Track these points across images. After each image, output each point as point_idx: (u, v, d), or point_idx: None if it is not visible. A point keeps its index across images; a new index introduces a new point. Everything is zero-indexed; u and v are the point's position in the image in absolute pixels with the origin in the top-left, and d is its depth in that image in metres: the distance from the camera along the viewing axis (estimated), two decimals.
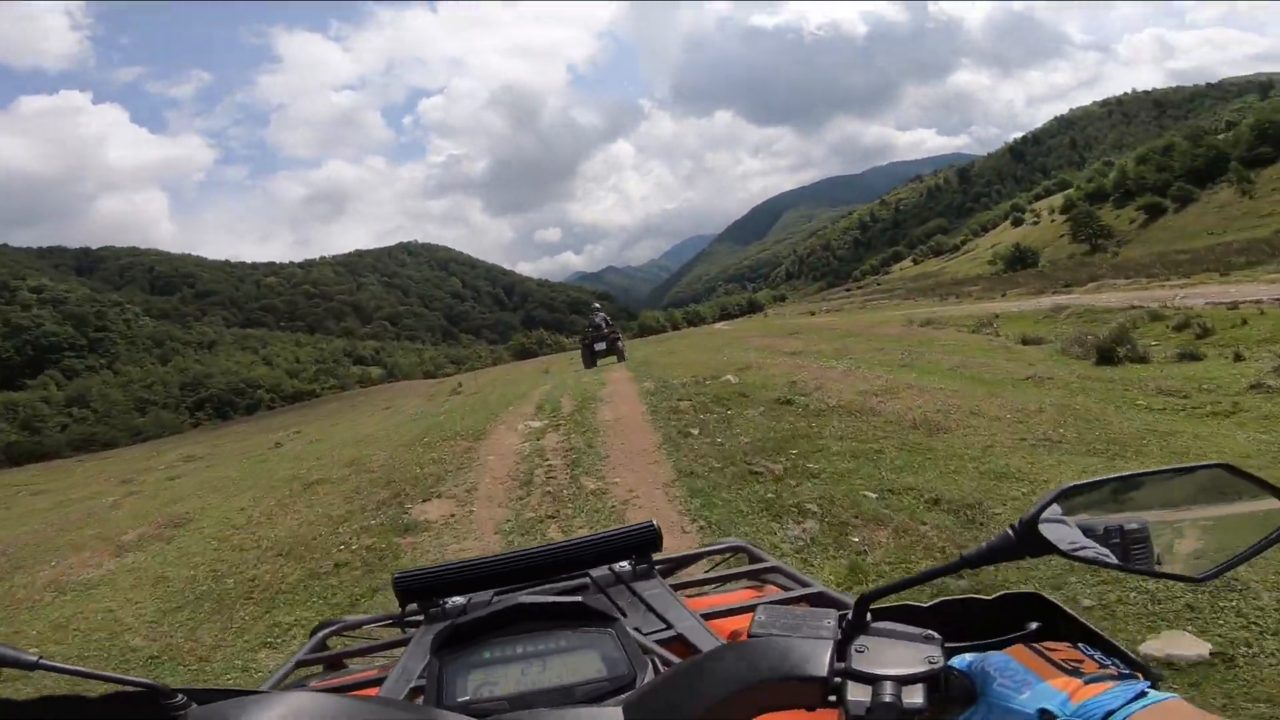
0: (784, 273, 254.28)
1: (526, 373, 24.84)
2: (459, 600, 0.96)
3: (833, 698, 0.48)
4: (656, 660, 0.67)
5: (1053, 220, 72.56)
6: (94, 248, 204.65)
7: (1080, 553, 0.52)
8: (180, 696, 0.51)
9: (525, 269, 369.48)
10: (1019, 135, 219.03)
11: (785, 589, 1.06)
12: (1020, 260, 51.67)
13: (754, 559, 1.24)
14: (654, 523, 1.01)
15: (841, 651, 0.49)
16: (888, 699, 0.46)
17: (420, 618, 0.96)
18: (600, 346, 16.46)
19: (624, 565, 1.00)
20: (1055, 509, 0.52)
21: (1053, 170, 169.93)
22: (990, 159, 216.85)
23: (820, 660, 0.48)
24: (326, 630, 1.19)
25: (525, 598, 0.70)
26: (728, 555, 1.35)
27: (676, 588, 0.97)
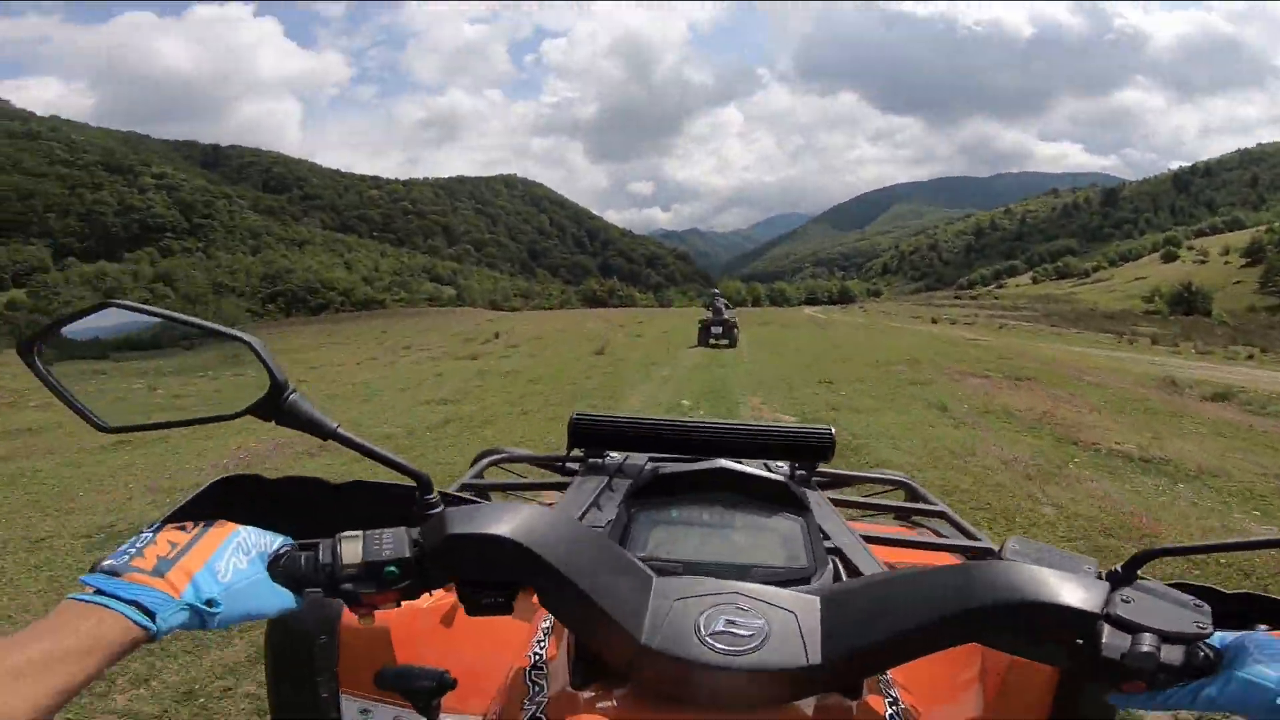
0: (880, 266, 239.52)
1: (595, 330, 22.49)
2: (617, 457, 0.96)
3: (1079, 642, 0.47)
4: (838, 564, 0.67)
5: (1225, 262, 61.94)
6: (223, 145, 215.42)
7: None
8: (436, 494, 0.55)
9: (612, 217, 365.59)
10: (1184, 164, 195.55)
11: (942, 536, 1.02)
12: (1187, 304, 43.54)
13: (916, 497, 1.20)
14: (831, 429, 0.98)
15: (1107, 598, 0.48)
16: (1146, 649, 0.45)
17: (577, 465, 0.97)
18: (717, 330, 17.49)
19: (782, 465, 0.99)
20: None
21: (1221, 207, 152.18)
22: (1145, 184, 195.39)
23: (1092, 595, 0.47)
24: (490, 459, 1.20)
25: (726, 463, 0.70)
26: (890, 488, 1.31)
27: (835, 503, 0.95)
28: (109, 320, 0.56)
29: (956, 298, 79.65)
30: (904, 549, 0.91)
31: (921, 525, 1.12)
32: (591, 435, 0.97)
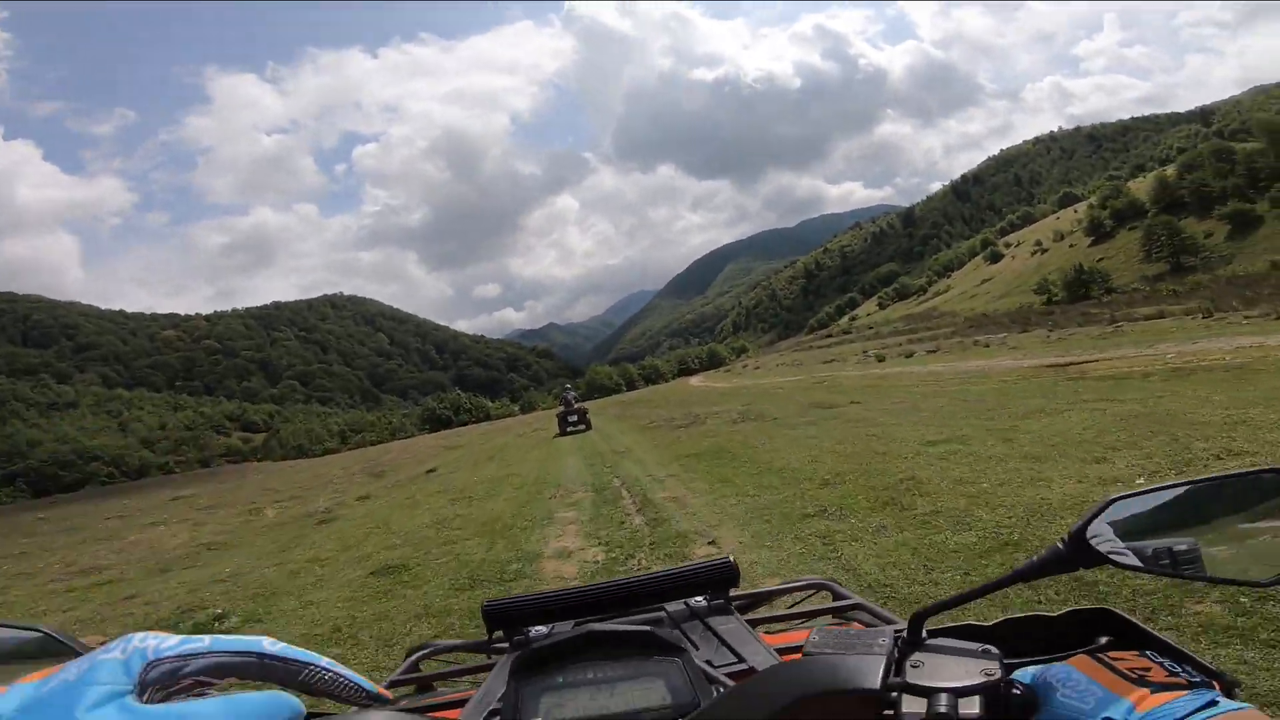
0: (730, 325, 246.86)
1: (425, 456, 21.36)
2: (542, 629, 0.99)
3: (889, 712, 0.48)
4: (721, 689, 0.70)
5: (1070, 245, 64.22)
6: None
7: (1131, 561, 0.52)
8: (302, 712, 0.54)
9: (463, 326, 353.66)
10: (958, 177, 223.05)
11: (868, 626, 1.04)
12: (1085, 286, 42.50)
13: (837, 596, 1.23)
14: (731, 559, 1.02)
15: (897, 667, 0.50)
16: (943, 709, 0.46)
17: (505, 645, 0.99)
18: (572, 419, 20.34)
19: (700, 600, 1.02)
20: (1104, 522, 0.52)
21: (1002, 207, 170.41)
22: (931, 202, 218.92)
23: (873, 674, 0.48)
24: (420, 653, 1.23)
25: (597, 626, 0.73)
26: (810, 593, 1.34)
27: (755, 623, 0.98)
28: None
29: (829, 335, 77.27)
30: None
31: (851, 620, 1.13)
32: (503, 617, 0.99)
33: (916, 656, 0.51)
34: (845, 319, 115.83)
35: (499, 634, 1.01)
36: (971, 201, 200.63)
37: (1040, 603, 2.84)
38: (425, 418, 68.22)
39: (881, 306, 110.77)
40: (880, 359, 29.61)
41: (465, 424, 62.45)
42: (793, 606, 1.29)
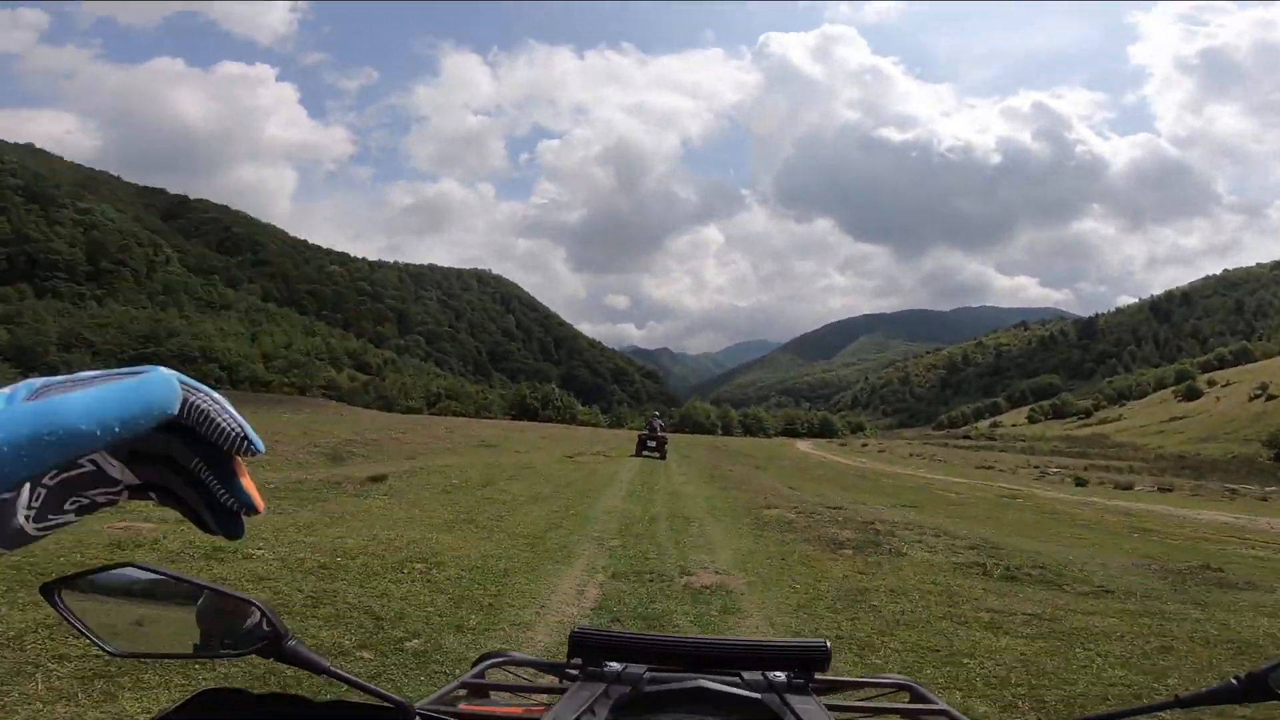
0: (850, 399, 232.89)
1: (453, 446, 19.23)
2: (616, 666, 0.99)
3: None
4: None
5: (1257, 396, 51.90)
6: (191, 198, 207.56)
7: None
8: (416, 716, 0.60)
9: (586, 329, 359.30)
10: (1160, 291, 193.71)
11: None
12: None
13: (918, 698, 1.19)
14: (826, 643, 0.98)
15: None
16: None
17: (576, 672, 1.01)
18: (651, 444, 21.15)
19: (778, 675, 0.98)
20: None
21: (1209, 337, 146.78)
22: (1120, 315, 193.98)
23: None
24: (490, 661, 1.24)
25: (708, 684, 0.72)
26: (890, 690, 1.30)
27: (831, 708, 0.96)
28: (127, 576, 0.65)
29: (966, 437, 67.68)
30: None
31: None
32: (591, 646, 1.00)
33: None
34: (985, 423, 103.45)
35: (576, 660, 1.02)
36: (1172, 324, 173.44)
37: None
38: (514, 403, 66.52)
39: (1031, 420, 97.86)
40: (1080, 483, 22.96)
41: (549, 420, 59.95)
42: (869, 698, 1.26)
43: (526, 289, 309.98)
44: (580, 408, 75.39)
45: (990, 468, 30.02)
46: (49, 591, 0.63)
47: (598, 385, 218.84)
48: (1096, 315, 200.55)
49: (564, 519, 8.03)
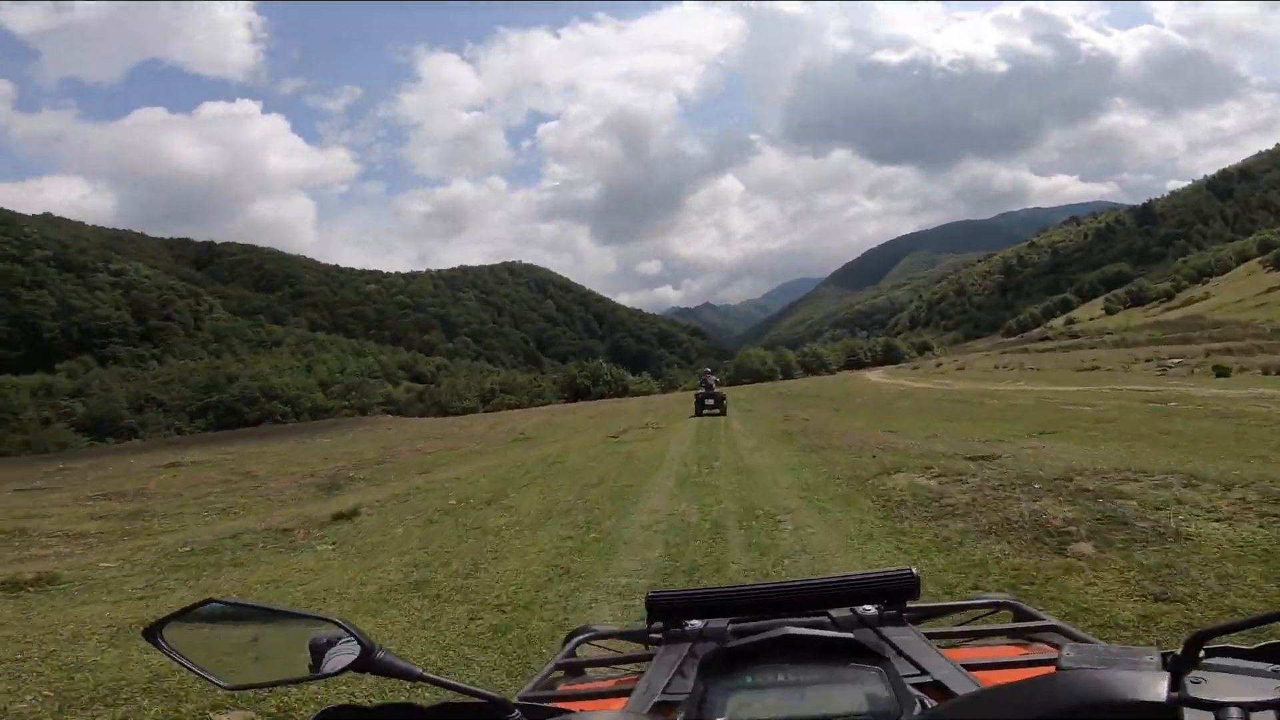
0: (907, 320, 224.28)
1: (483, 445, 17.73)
2: (697, 624, 0.98)
3: None
4: (924, 703, 0.66)
5: None
6: (217, 242, 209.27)
7: None
8: (515, 712, 0.61)
9: (625, 299, 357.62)
10: (1214, 172, 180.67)
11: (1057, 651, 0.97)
12: None
13: (1023, 615, 1.17)
14: (914, 570, 0.97)
15: (1174, 683, 0.47)
16: None
17: (659, 636, 1.00)
18: (709, 402, 20.91)
19: (868, 609, 0.98)
20: None
21: None
22: (1178, 198, 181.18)
23: (1154, 688, 0.46)
24: (579, 638, 1.27)
25: (794, 630, 0.70)
26: (990, 611, 1.28)
27: (929, 637, 0.93)
28: (214, 611, 0.71)
29: (1045, 339, 63.47)
30: (1014, 670, 0.87)
31: (1039, 642, 1.07)
32: (668, 609, 1.00)
33: (1195, 674, 0.48)
34: (1058, 321, 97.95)
35: (657, 624, 1.01)
36: (1235, 199, 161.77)
37: None
38: (565, 385, 65.81)
39: (1109, 311, 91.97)
40: (1221, 373, 20.42)
41: (601, 396, 59.01)
42: (967, 623, 1.24)
43: (558, 271, 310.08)
44: (630, 378, 73.99)
45: (1095, 369, 27.26)
46: (151, 635, 0.67)
47: (645, 352, 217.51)
48: (1152, 201, 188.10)
49: (579, 551, 5.40)
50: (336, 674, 0.65)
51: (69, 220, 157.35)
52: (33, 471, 20.96)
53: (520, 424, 25.15)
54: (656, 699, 0.76)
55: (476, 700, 0.66)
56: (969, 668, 0.82)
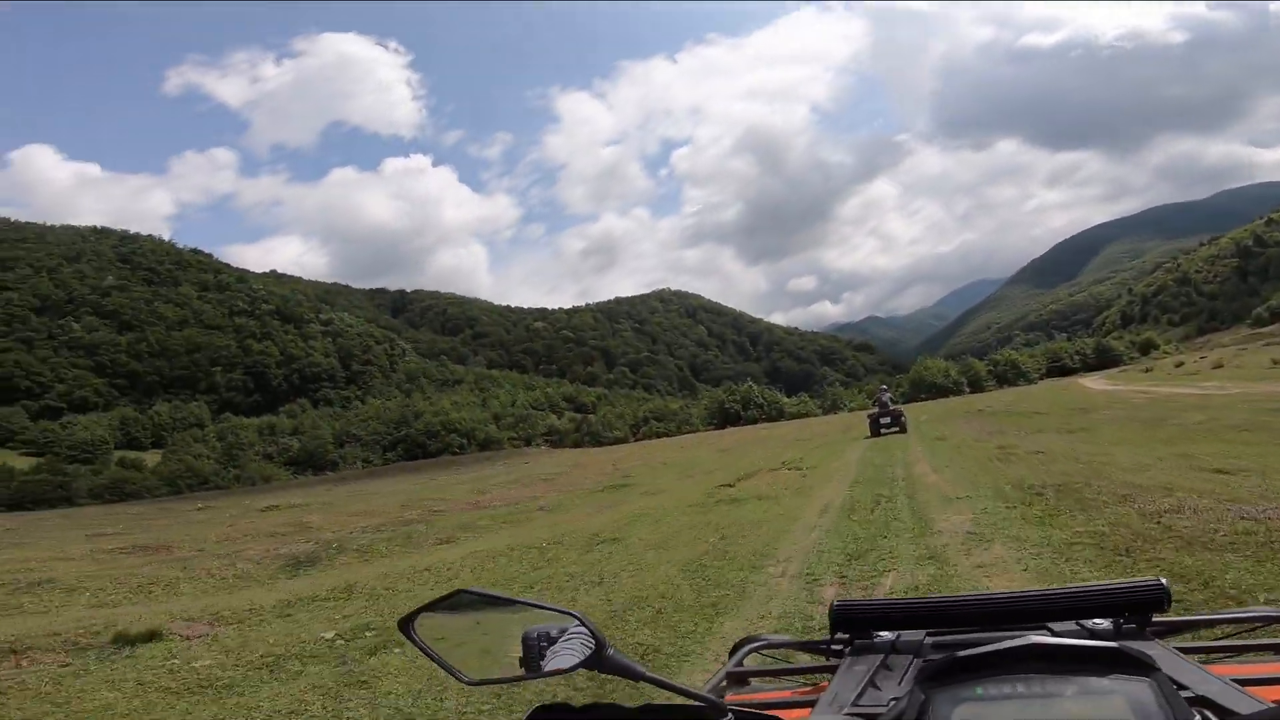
0: (1118, 317, 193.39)
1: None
2: (888, 635, 0.92)
3: None
4: (1207, 714, 0.60)
5: None
6: (409, 290, 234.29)
7: None
8: (729, 715, 0.59)
9: (779, 319, 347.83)
10: None
11: None
12: None
13: None
14: (1163, 582, 0.87)
15: None
16: None
17: (841, 648, 0.94)
18: (885, 420, 19.46)
19: (1100, 623, 0.89)
20: None
21: None
22: None
23: None
24: (750, 647, 1.19)
25: (1042, 639, 0.64)
26: (1255, 625, 1.15)
27: (1186, 653, 0.85)
28: (463, 602, 0.73)
29: None
30: None
31: None
32: (855, 619, 0.94)
33: None
34: None
35: (841, 635, 0.96)
36: None
37: None
38: (714, 411, 63.13)
39: None
40: None
41: (754, 421, 55.66)
42: (1223, 639, 1.12)
43: (708, 296, 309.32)
44: (786, 399, 69.44)
45: None
46: (404, 627, 0.69)
47: (806, 372, 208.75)
48: None
49: None
50: (571, 669, 0.64)
51: (290, 275, 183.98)
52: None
53: (634, 461, 22.21)
54: (848, 710, 0.72)
55: (692, 703, 0.64)
56: (1246, 683, 0.74)
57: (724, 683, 1.07)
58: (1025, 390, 46.03)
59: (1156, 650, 0.80)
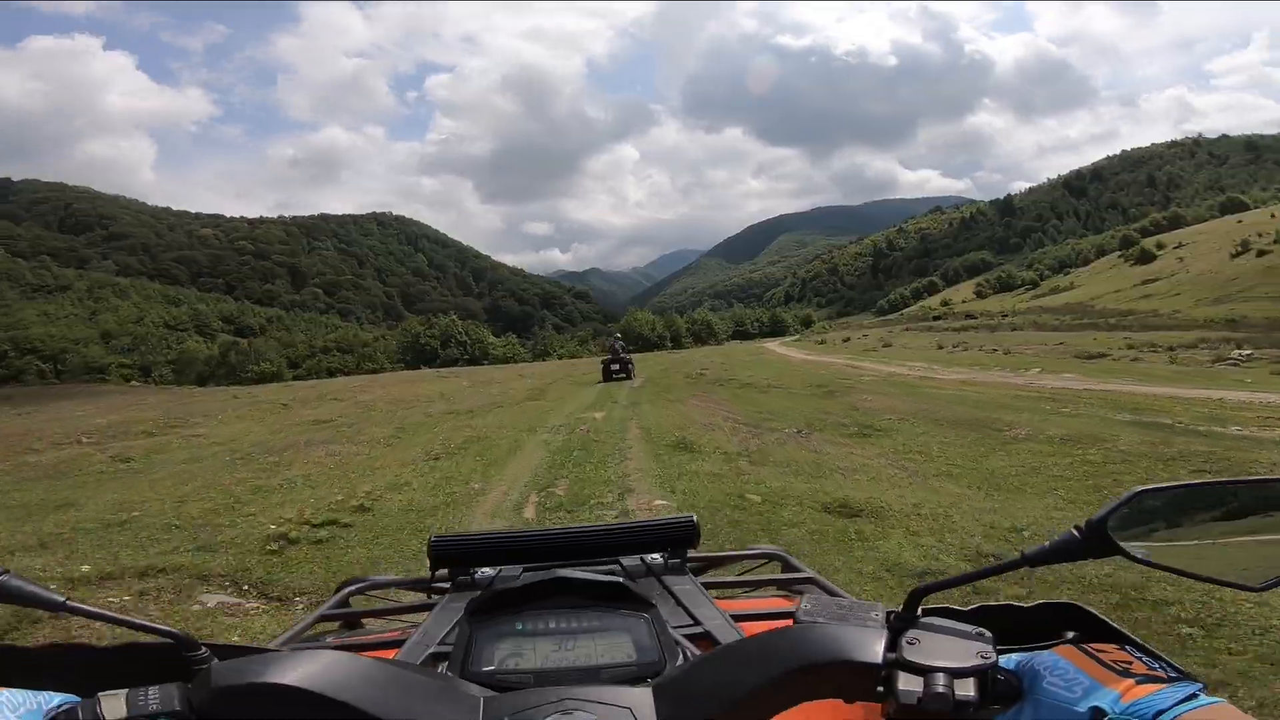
0: (782, 294, 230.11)
1: None
2: (488, 571, 0.95)
3: (881, 688, 0.47)
4: (687, 652, 0.67)
5: (1239, 254, 49.02)
6: (15, 179, 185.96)
7: (1144, 555, 0.52)
8: (204, 650, 0.51)
9: (508, 259, 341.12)
10: (1069, 171, 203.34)
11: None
12: None
13: (789, 568, 1.22)
14: (694, 517, 0.99)
15: (892, 642, 0.49)
16: (940, 689, 0.46)
17: (446, 585, 0.95)
18: (615, 368, 20.60)
19: (655, 557, 0.99)
20: (1124, 512, 0.51)
21: (1129, 208, 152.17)
22: (1035, 194, 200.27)
23: (872, 647, 0.47)
24: (351, 587, 1.17)
25: (565, 572, 0.69)
26: (763, 561, 1.33)
27: (707, 586, 0.96)
28: None
29: (937, 319, 61.87)
30: (772, 620, 0.89)
31: (801, 593, 1.03)
32: (453, 555, 0.95)
33: (912, 634, 0.49)
34: (933, 300, 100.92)
35: (442, 572, 0.96)
36: (1088, 198, 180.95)
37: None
38: (406, 346, 55.25)
39: (980, 295, 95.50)
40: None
41: (453, 362, 49.88)
42: (743, 573, 1.29)
43: (439, 227, 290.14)
44: (492, 339, 64.12)
45: (1008, 352, 23.21)
46: None
47: (527, 314, 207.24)
48: (1010, 195, 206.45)
49: None
50: None
51: None
52: None
53: (223, 431, 12.06)
54: (431, 650, 0.71)
55: (160, 640, 0.54)
56: (738, 618, 0.83)
57: (325, 625, 1.03)
58: (727, 349, 48.50)
59: (685, 585, 0.88)
